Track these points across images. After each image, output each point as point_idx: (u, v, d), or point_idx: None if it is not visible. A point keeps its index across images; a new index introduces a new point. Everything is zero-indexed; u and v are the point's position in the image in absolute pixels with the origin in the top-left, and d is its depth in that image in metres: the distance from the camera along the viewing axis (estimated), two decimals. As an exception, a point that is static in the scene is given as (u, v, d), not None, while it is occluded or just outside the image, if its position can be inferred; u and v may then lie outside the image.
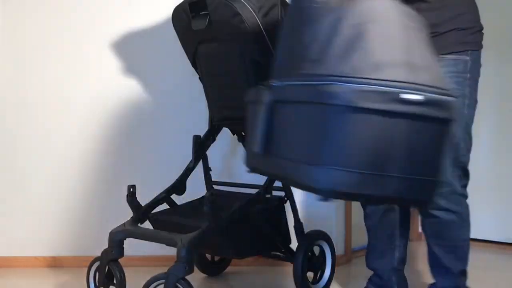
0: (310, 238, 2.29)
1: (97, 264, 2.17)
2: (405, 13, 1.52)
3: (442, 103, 1.44)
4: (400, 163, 1.42)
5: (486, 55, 1.97)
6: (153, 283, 1.88)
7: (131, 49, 2.79)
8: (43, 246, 2.78)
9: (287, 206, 2.27)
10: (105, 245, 2.14)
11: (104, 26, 2.80)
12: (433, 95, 1.42)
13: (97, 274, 2.18)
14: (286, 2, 2.18)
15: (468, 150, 1.93)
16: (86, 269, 2.20)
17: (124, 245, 2.12)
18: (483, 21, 1.95)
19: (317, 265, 2.37)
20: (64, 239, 2.78)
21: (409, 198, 1.50)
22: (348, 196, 1.89)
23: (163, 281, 1.86)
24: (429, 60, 1.51)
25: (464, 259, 1.99)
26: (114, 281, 2.13)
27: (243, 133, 2.44)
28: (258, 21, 2.07)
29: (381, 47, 1.42)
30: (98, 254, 2.15)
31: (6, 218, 2.77)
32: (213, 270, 2.66)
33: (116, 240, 2.09)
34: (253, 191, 2.17)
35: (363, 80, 1.37)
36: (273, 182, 2.17)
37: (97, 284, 2.17)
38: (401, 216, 2.15)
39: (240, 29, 2.05)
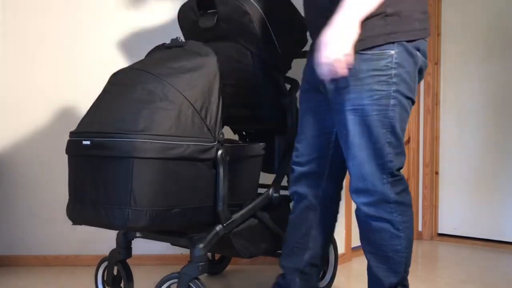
0: (315, 236, 2.30)
1: (105, 264, 2.16)
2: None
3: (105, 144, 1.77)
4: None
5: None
6: (166, 282, 1.87)
7: (133, 49, 2.78)
8: (43, 245, 2.76)
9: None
10: (106, 243, 2.12)
11: (105, 26, 2.79)
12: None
13: (105, 274, 2.16)
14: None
15: (397, 154, 1.77)
16: (87, 268, 2.18)
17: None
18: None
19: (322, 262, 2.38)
20: (64, 238, 2.76)
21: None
22: None
23: (176, 280, 1.86)
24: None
25: (397, 272, 1.83)
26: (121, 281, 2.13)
27: (244, 133, 2.45)
28: (266, 21, 2.08)
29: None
30: (100, 253, 2.13)
31: (6, 217, 2.75)
32: (214, 269, 2.66)
33: (125, 240, 2.09)
34: (261, 190, 2.18)
35: None
36: (281, 182, 2.18)
37: (105, 284, 2.17)
38: (324, 219, 2.02)
39: (249, 28, 2.06)
